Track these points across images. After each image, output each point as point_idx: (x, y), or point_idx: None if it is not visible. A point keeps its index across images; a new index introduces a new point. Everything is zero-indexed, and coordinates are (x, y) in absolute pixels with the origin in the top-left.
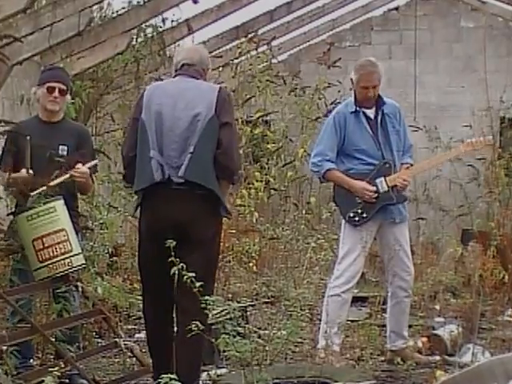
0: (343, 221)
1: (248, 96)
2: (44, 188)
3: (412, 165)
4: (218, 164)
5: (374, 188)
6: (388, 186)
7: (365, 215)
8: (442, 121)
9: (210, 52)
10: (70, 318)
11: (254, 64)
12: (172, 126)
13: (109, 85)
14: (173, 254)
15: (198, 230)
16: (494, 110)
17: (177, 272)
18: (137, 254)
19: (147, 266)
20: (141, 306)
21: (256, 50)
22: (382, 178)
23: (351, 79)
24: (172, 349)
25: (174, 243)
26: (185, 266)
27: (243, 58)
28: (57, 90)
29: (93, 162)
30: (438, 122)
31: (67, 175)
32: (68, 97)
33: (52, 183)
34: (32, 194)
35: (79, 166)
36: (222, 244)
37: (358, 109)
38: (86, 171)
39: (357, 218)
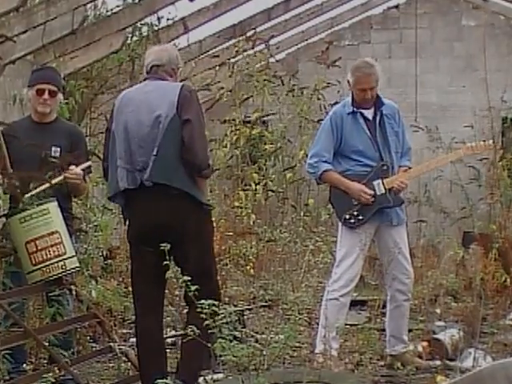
0: (340, 223)
1: (245, 96)
2: (38, 190)
3: (410, 168)
4: (183, 161)
5: (371, 190)
6: (385, 189)
7: (361, 217)
8: (442, 121)
9: (207, 51)
10: (64, 322)
11: (251, 63)
12: (137, 132)
13: (103, 84)
14: (164, 257)
15: (179, 228)
16: (496, 110)
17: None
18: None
19: (138, 272)
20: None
21: (253, 48)
22: (380, 180)
23: (348, 81)
24: (164, 356)
25: (168, 246)
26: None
27: (240, 57)
28: (46, 92)
29: (86, 164)
30: (439, 123)
31: (61, 177)
32: (60, 96)
33: (45, 186)
34: (26, 195)
35: (72, 167)
36: (218, 247)
37: (355, 109)
38: (80, 173)
39: (352, 220)
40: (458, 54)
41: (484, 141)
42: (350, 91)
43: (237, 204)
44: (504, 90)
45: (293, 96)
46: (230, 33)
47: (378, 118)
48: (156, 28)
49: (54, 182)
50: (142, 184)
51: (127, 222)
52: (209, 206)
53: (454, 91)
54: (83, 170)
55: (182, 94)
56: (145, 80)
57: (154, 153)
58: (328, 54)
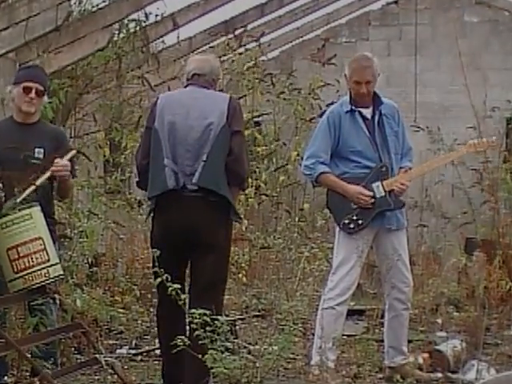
0: (337, 228)
1: (237, 96)
2: (24, 195)
3: (411, 168)
4: (229, 171)
5: (371, 193)
6: (385, 191)
7: (360, 222)
8: (444, 122)
9: (197, 48)
10: (47, 333)
11: (242, 62)
12: (185, 135)
13: (89, 83)
14: (186, 258)
15: (211, 235)
16: (500, 111)
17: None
18: (151, 260)
19: (162, 270)
20: (122, 319)
21: (243, 46)
22: (379, 183)
23: (345, 75)
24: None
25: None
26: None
27: (231, 55)
28: (33, 91)
29: (71, 153)
30: (440, 123)
31: (47, 174)
32: (45, 98)
33: (30, 189)
34: (9, 200)
35: (58, 160)
36: None
37: (353, 108)
38: (67, 164)
39: (352, 225)
40: (460, 51)
41: (487, 137)
42: (347, 90)
43: None
44: (509, 89)
45: (283, 99)
46: (221, 30)
47: (376, 118)
48: (144, 24)
49: (39, 182)
50: (185, 187)
51: (155, 224)
52: (239, 217)
53: (456, 90)
54: (70, 160)
55: (232, 105)
56: (186, 86)
57: (204, 158)
58: (324, 51)
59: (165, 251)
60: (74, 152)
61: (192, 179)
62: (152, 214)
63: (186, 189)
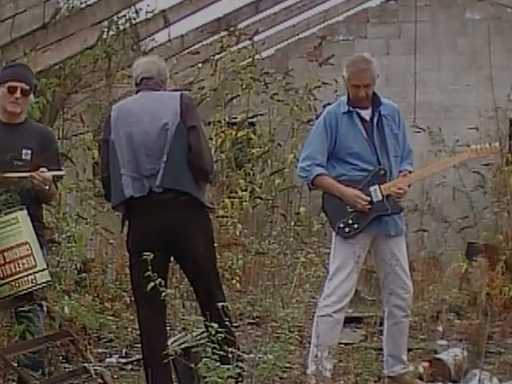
0: (334, 233)
1: (231, 96)
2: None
3: (411, 172)
4: (192, 167)
5: (367, 197)
6: (382, 195)
7: (356, 226)
8: (444, 122)
9: (189, 47)
10: (34, 341)
11: (237, 60)
12: (143, 141)
13: (77, 83)
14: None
15: (188, 230)
16: (503, 111)
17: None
18: (128, 270)
19: (140, 281)
20: (112, 327)
21: (237, 44)
22: (377, 186)
23: (343, 76)
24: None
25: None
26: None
27: (224, 53)
28: (19, 91)
29: (59, 173)
30: (441, 124)
31: (26, 174)
32: (31, 97)
33: (9, 175)
34: None
35: (44, 169)
36: None
37: (351, 109)
38: (49, 178)
39: (347, 230)
40: (461, 49)
41: (490, 143)
42: (345, 90)
43: (222, 213)
44: (511, 89)
45: (278, 100)
46: (214, 27)
47: (375, 119)
48: (134, 22)
49: (18, 175)
50: (151, 191)
51: (130, 230)
52: (211, 208)
53: (458, 90)
54: (54, 176)
55: (184, 102)
56: (137, 92)
57: (164, 159)
58: (321, 50)
59: (141, 260)
60: (62, 172)
61: (154, 182)
62: (126, 225)
63: (153, 193)
